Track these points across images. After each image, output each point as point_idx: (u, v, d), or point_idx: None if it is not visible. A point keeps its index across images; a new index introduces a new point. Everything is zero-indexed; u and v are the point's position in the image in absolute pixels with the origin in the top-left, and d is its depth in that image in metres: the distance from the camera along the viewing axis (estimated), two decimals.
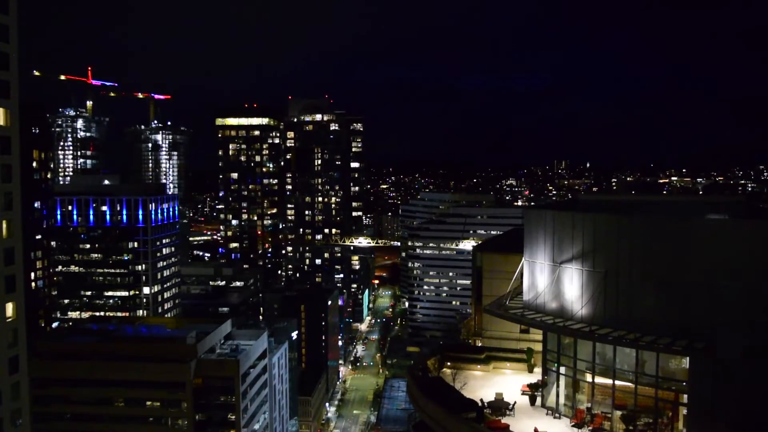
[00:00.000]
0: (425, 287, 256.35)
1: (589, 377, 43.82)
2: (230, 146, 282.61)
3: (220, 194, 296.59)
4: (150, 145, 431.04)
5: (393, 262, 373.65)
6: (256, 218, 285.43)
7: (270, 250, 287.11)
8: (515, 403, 45.68)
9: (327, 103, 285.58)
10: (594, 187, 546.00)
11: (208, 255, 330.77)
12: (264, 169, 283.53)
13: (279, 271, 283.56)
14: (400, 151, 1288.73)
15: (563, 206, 66.90)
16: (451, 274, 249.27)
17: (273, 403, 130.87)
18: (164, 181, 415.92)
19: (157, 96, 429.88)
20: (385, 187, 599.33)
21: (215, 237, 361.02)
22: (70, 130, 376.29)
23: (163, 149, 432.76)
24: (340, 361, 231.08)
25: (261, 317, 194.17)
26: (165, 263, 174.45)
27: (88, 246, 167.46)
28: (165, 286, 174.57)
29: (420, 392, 46.80)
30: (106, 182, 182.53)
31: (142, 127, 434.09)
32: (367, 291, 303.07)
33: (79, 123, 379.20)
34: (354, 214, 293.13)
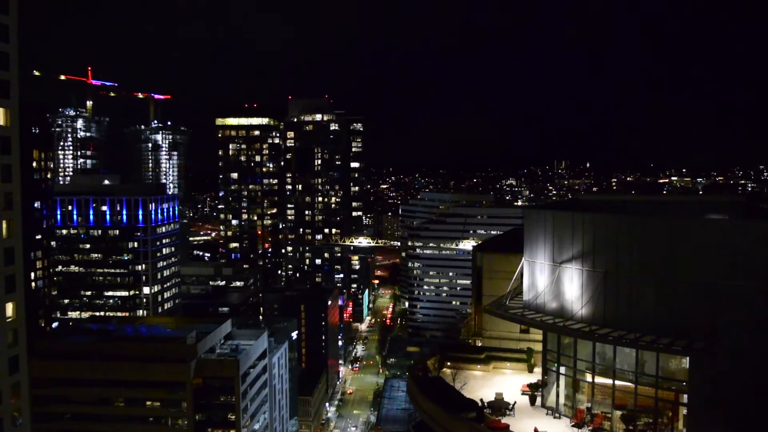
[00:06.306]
0: (425, 287, 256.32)
1: (589, 377, 43.82)
2: (230, 146, 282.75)
3: (220, 194, 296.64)
4: (150, 145, 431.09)
5: (393, 262, 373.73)
6: (256, 218, 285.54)
7: (270, 250, 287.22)
8: (515, 403, 45.67)
9: (327, 103, 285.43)
10: (594, 187, 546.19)
11: (208, 255, 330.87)
12: (264, 169, 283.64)
13: (279, 271, 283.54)
14: (400, 151, 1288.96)
15: (563, 206, 66.91)
16: (451, 274, 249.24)
17: (273, 403, 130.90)
18: (164, 181, 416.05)
19: (157, 96, 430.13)
20: (385, 187, 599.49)
21: (215, 237, 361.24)
22: (70, 130, 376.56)
23: (163, 149, 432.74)
24: (340, 361, 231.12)
25: (261, 317, 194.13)
26: (165, 263, 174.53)
27: (88, 246, 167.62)
28: (165, 286, 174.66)
29: (420, 392, 46.81)
30: (106, 182, 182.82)
31: (142, 127, 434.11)
32: (367, 291, 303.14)
33: (79, 123, 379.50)
34: (354, 214, 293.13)
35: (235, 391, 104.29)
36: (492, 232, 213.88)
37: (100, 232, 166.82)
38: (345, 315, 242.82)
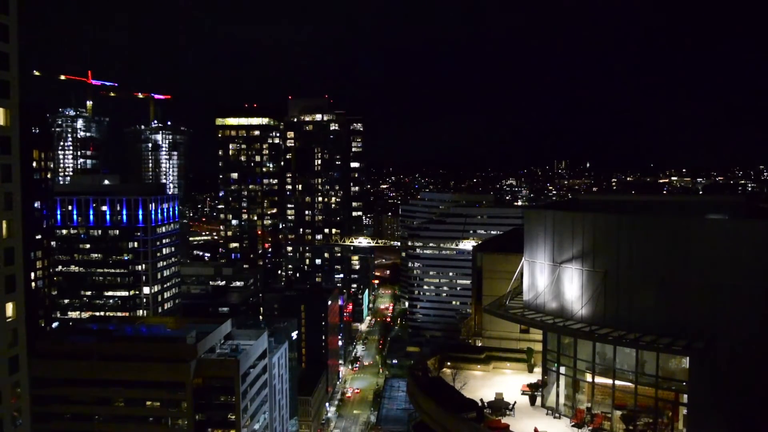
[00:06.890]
0: (425, 287, 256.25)
1: (589, 377, 43.81)
2: (230, 146, 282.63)
3: (220, 194, 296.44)
4: (150, 145, 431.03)
5: (393, 262, 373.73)
6: (256, 218, 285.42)
7: (270, 250, 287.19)
8: (515, 403, 45.67)
9: (327, 103, 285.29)
10: (594, 187, 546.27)
11: (208, 255, 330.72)
12: (264, 169, 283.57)
13: (279, 271, 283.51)
14: (400, 151, 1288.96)
15: (563, 206, 66.90)
16: (451, 274, 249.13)
17: (273, 403, 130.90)
18: (164, 181, 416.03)
19: (157, 96, 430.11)
20: (385, 187, 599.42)
21: (215, 237, 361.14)
22: (70, 130, 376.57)
23: (163, 149, 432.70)
24: (340, 361, 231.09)
25: (261, 317, 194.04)
26: (165, 263, 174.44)
27: (88, 246, 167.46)
28: (165, 286, 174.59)
29: (420, 392, 46.81)
30: (106, 182, 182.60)
31: (142, 127, 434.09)
32: (367, 291, 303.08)
33: (79, 123, 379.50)
34: (354, 214, 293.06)
35: (235, 391, 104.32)
36: (492, 232, 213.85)
37: (100, 232, 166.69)
38: (345, 315, 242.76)
